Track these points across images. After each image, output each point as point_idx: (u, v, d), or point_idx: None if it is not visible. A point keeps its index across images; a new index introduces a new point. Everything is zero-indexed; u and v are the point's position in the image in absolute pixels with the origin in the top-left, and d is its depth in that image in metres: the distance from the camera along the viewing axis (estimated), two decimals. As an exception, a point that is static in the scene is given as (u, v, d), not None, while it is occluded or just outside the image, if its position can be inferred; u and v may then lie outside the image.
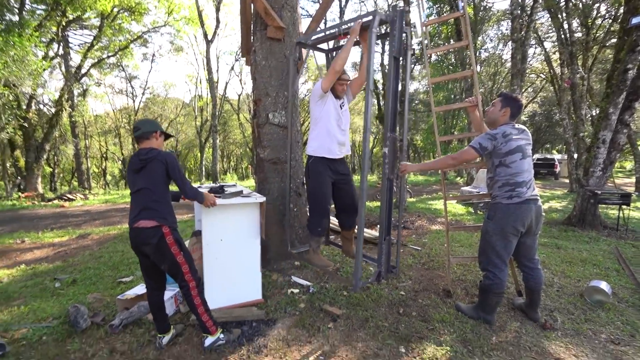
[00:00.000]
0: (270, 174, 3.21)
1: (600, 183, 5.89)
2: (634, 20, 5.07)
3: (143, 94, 22.88)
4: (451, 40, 15.51)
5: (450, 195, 9.62)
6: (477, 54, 17.79)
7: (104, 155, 26.77)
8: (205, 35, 15.90)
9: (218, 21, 16.01)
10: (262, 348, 2.01)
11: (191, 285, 1.97)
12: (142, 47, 18.63)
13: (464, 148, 2.36)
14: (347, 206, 2.80)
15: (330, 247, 3.88)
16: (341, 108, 2.65)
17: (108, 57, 16.21)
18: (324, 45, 3.05)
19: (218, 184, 3.01)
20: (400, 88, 2.46)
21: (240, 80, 27.46)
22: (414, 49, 2.76)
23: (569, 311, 2.56)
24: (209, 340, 2.00)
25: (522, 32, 9.79)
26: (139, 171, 1.93)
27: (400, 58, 2.23)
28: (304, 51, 3.30)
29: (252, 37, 3.10)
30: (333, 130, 2.58)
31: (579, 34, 13.62)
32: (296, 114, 3.27)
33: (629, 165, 28.61)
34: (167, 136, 2.19)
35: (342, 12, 16.15)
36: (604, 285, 2.75)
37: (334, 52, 3.05)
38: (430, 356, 1.95)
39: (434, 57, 14.92)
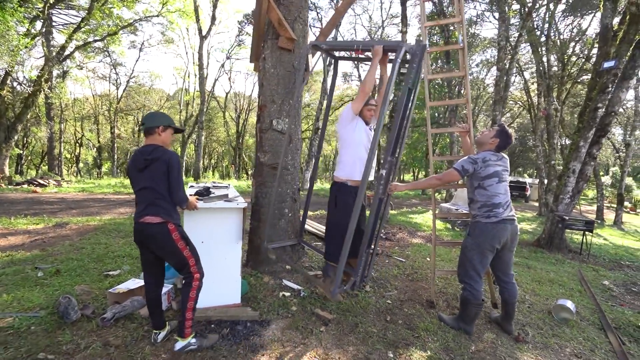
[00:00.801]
0: (268, 179, 3.29)
1: (568, 210, 6.35)
2: (606, 65, 5.58)
3: (128, 82, 22.15)
4: (439, 62, 16.21)
5: (431, 210, 9.97)
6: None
7: (79, 141, 25.60)
8: (200, 30, 15.73)
9: (214, 18, 15.91)
10: (259, 348, 2.08)
11: (195, 277, 2.00)
12: (132, 34, 18.11)
13: (447, 170, 2.57)
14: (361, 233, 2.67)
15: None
16: (369, 131, 2.72)
17: (95, 41, 15.64)
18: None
19: (205, 186, 3.03)
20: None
21: (229, 79, 27.27)
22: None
23: (538, 326, 2.79)
24: (179, 345, 1.97)
25: (507, 62, 10.42)
26: (142, 170, 1.92)
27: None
28: (310, 62, 3.43)
29: (262, 45, 3.19)
30: (364, 157, 2.55)
31: (555, 68, 14.64)
32: (298, 123, 3.37)
33: (591, 193, 30.65)
34: (176, 130, 2.12)
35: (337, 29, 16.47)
36: (569, 304, 3.02)
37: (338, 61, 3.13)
38: (416, 362, 2.09)
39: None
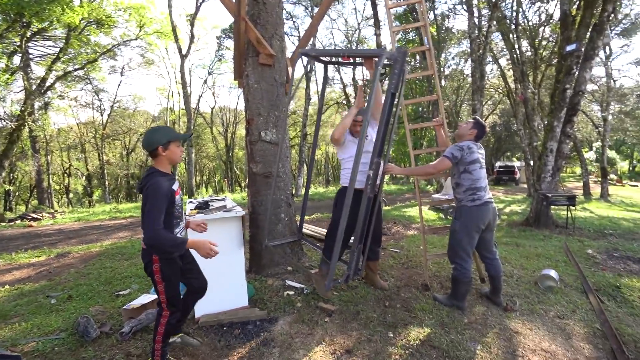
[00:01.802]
0: (262, 187, 3.48)
1: (551, 187, 6.67)
2: (568, 48, 5.95)
3: (111, 107, 22.12)
4: (417, 57, 16.65)
5: (429, 202, 10.24)
6: (442, 70, 19.11)
7: (67, 172, 25.36)
8: (180, 50, 15.90)
9: (192, 36, 16.10)
10: (270, 341, 2.26)
11: (164, 313, 1.94)
12: (111, 59, 18.18)
13: (438, 159, 2.80)
14: (373, 237, 2.79)
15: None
16: (366, 139, 2.89)
17: (75, 70, 15.68)
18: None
19: (203, 200, 3.21)
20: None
21: (213, 94, 27.41)
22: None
23: (525, 296, 3.02)
24: None
25: (480, 52, 10.83)
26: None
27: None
28: (290, 74, 3.65)
29: (244, 63, 3.40)
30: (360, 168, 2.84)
31: (529, 54, 15.18)
32: (285, 132, 3.58)
33: (578, 170, 31.49)
34: (183, 139, 1.96)
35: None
36: (553, 273, 3.27)
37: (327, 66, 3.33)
38: (414, 338, 2.29)
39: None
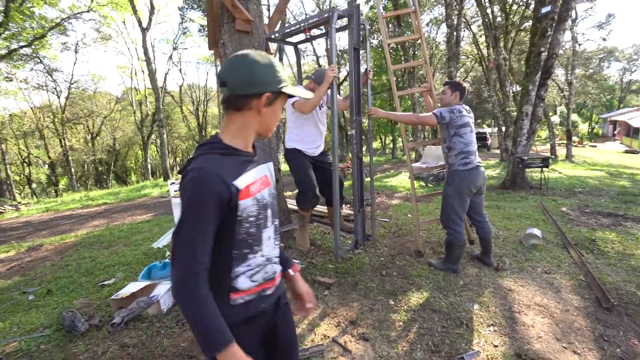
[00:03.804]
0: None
1: (526, 150, 6.91)
2: (543, 10, 5.94)
3: (69, 88, 20.34)
4: (390, 26, 16.26)
5: (403, 172, 10.40)
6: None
7: (26, 160, 23.55)
8: (140, 22, 14.60)
9: (152, 7, 14.79)
10: (272, 319, 2.22)
11: None
12: (62, 35, 16.47)
13: (426, 113, 2.76)
14: (330, 183, 3.02)
15: (317, 227, 4.13)
16: (320, 109, 2.85)
17: (20, 47, 14.10)
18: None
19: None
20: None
21: (180, 71, 25.85)
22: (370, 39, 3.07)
23: (513, 255, 3.15)
24: None
25: (454, 18, 10.69)
26: None
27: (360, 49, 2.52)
28: (271, 46, 3.41)
29: (219, 30, 3.11)
30: (311, 134, 2.85)
31: (500, 19, 15.21)
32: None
33: (544, 134, 33.04)
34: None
35: None
36: (536, 232, 3.41)
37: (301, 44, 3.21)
38: (415, 303, 2.33)
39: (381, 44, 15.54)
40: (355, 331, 2.05)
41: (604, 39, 18.05)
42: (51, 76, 19.23)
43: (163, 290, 2.55)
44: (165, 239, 4.22)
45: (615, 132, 30.47)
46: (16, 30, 13.50)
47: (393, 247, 3.44)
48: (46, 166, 24.93)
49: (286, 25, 2.82)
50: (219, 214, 0.80)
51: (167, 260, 3.36)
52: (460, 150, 2.61)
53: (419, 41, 3.18)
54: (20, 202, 12.10)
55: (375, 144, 37.66)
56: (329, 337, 2.01)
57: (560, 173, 9.96)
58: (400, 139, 21.43)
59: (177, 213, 2.40)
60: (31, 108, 21.12)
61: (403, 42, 15.85)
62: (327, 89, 2.54)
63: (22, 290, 3.11)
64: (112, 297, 2.50)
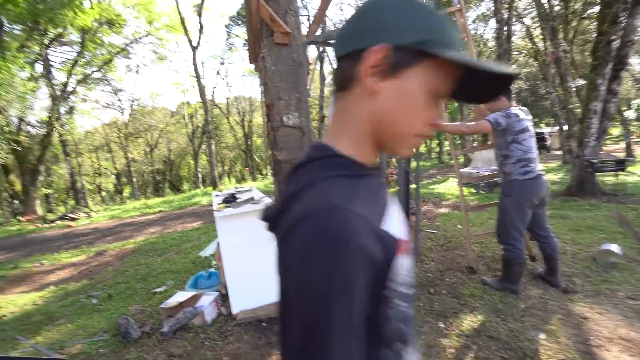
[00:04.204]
0: (288, 175, 3.32)
1: (595, 152, 6.11)
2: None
3: (131, 106, 22.63)
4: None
5: (451, 179, 9.82)
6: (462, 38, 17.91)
7: (97, 172, 26.50)
8: (190, 41, 15.77)
9: (201, 26, 15.90)
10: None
11: None
12: (125, 58, 18.39)
13: (478, 121, 2.53)
14: None
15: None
16: None
17: (93, 72, 15.99)
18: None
19: (229, 192, 3.11)
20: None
21: (227, 84, 27.35)
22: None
23: (585, 275, 2.74)
24: None
25: (504, 12, 9.96)
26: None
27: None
28: (309, 56, 3.40)
29: (259, 44, 3.18)
30: None
31: (558, 7, 13.87)
32: (308, 115, 3.37)
33: (615, 131, 29.32)
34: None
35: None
36: (614, 248, 2.94)
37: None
38: (468, 327, 2.11)
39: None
40: (401, 356, 1.90)
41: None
42: (117, 95, 21.52)
43: (207, 301, 2.61)
44: (211, 248, 4.39)
45: None
46: (90, 57, 15.34)
47: (442, 261, 3.20)
48: (113, 176, 27.81)
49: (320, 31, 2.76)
50: (366, 299, 0.38)
51: (212, 269, 3.47)
52: (519, 158, 2.34)
53: (465, 40, 2.96)
54: (91, 210, 13.55)
55: (421, 148, 36.37)
56: (372, 361, 1.88)
57: (639, 177, 8.69)
58: (447, 143, 20.41)
59: (220, 227, 2.44)
60: (101, 125, 23.78)
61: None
62: None
63: (88, 294, 3.41)
64: (161, 306, 2.62)
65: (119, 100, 22.30)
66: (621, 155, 14.28)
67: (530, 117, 2.47)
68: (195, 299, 2.71)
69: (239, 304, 2.55)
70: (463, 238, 3.84)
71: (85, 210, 13.24)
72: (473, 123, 2.50)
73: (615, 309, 2.23)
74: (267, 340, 2.18)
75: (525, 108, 2.50)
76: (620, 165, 5.74)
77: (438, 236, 3.98)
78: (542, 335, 1.98)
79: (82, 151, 22.57)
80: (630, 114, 27.31)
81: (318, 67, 16.47)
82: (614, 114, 6.74)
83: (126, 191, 28.59)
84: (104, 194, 28.04)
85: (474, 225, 4.38)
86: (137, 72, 21.29)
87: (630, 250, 3.21)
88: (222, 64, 24.29)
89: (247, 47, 3.36)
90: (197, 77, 15.88)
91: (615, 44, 5.55)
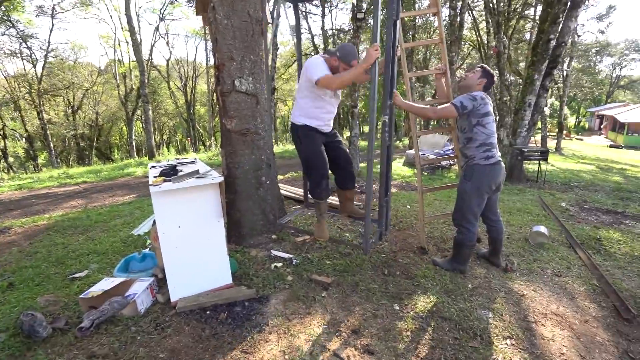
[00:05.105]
0: (239, 147, 2.99)
1: (525, 142, 6.74)
2: (559, -8, 5.61)
3: (45, 57, 19.02)
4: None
5: (397, 159, 10.19)
6: (415, 22, 18.27)
7: (0, 133, 22.26)
8: (121, -14, 13.52)
9: (135, -30, 13.66)
10: (263, 326, 1.97)
11: None
12: (36, -3, 15.18)
13: (443, 105, 2.49)
14: (342, 164, 2.83)
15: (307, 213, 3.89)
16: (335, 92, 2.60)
17: (-11, 8, 12.93)
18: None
19: (169, 164, 2.71)
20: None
21: (168, 44, 24.54)
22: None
23: (520, 254, 2.97)
24: None
25: (459, 1, 10.24)
26: None
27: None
28: (266, 10, 3.01)
29: (208, -10, 2.69)
30: (325, 108, 2.55)
31: (502, 4, 14.76)
32: (264, 80, 3.02)
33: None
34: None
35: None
36: (543, 229, 3.24)
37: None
38: (422, 309, 2.12)
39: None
40: (359, 342, 1.83)
41: (602, 32, 17.89)
42: (26, 43, 17.89)
43: (140, 288, 2.26)
44: (147, 225, 3.89)
45: (602, 127, 30.93)
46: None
47: (394, 242, 3.22)
48: (23, 140, 23.66)
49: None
50: None
51: (147, 250, 3.05)
52: (483, 142, 2.36)
53: (437, 17, 2.85)
54: (-8, 178, 11.40)
55: (365, 128, 37.30)
56: (329, 349, 1.78)
57: (552, 166, 9.95)
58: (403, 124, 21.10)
59: (157, 204, 2.07)
60: (5, 77, 19.75)
61: (402, 20, 15.31)
62: (364, 69, 2.22)
63: (-20, 282, 2.76)
64: (81, 296, 2.20)
65: (29, 48, 18.55)
66: (537, 146, 16.25)
67: (491, 103, 2.50)
68: (125, 285, 2.33)
69: (178, 291, 2.25)
70: (413, 218, 3.94)
71: (-17, 178, 11.07)
72: (439, 107, 2.45)
73: (546, 286, 2.44)
74: (213, 332, 1.95)
75: (488, 95, 2.53)
76: (544, 155, 6.41)
77: (390, 216, 4.02)
78: (489, 314, 2.07)
79: (-23, 107, 18.62)
80: (545, 110, 31.11)
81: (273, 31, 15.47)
82: (543, 109, 7.44)
83: (42, 158, 24.66)
84: (11, 159, 23.81)
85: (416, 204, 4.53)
86: (52, 16, 17.70)
87: (552, 231, 3.58)
88: (162, 19, 21.48)
89: (193, -7, 2.85)
90: (131, 30, 13.82)
91: (553, 42, 6.01)
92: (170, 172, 2.29)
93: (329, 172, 2.70)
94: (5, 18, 15.24)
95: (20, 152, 24.89)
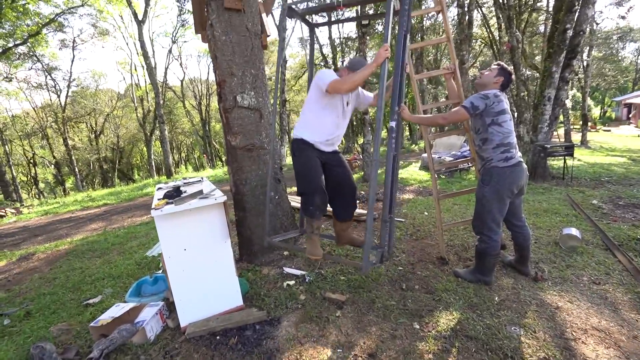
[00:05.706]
0: (245, 163, 2.94)
1: (547, 138, 6.40)
2: (572, -20, 5.36)
3: (68, 86, 20.08)
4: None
5: (413, 164, 9.94)
6: (423, 23, 18.10)
7: (31, 161, 23.51)
8: (135, 15, 14.15)
9: (147, -2, 14.32)
10: (275, 352, 1.86)
11: None
12: (59, 32, 16.13)
13: (453, 109, 2.35)
14: (342, 191, 2.42)
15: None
16: (347, 105, 2.33)
17: (15, 45, 13.80)
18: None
19: (175, 185, 2.67)
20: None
21: (181, 65, 25.42)
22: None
23: (550, 260, 2.73)
24: None
25: (466, -2, 10.05)
26: None
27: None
28: (265, 23, 2.99)
29: (206, 10, 2.70)
30: (328, 126, 2.28)
31: (512, -1, 14.40)
32: (266, 94, 2.98)
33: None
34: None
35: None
36: (574, 232, 2.98)
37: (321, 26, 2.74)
38: (444, 328, 1.95)
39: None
40: (375, 368, 1.69)
41: (622, 17, 17.05)
42: (50, 75, 18.97)
43: (150, 314, 2.21)
44: (160, 246, 3.89)
45: (631, 116, 29.31)
46: (10, 28, 13.18)
47: (412, 253, 3.05)
48: (52, 166, 24.90)
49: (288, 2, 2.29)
50: None
51: (159, 273, 3.03)
52: (500, 142, 2.19)
53: (442, 16, 2.74)
54: (22, 204, 11.97)
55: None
56: (344, 377, 1.65)
57: (579, 160, 9.43)
58: (417, 127, 20.75)
59: (161, 227, 2.03)
60: (33, 108, 20.97)
61: (436, 11, 15.19)
62: (374, 69, 2.05)
63: (0, 312, 2.80)
64: (91, 325, 2.16)
65: (53, 80, 19.66)
66: (562, 141, 15.53)
67: (508, 102, 2.34)
68: (135, 311, 2.29)
69: (188, 315, 2.19)
70: (431, 226, 3.75)
71: (15, 205, 11.63)
72: (448, 114, 2.30)
73: (583, 296, 2.20)
74: (221, 358, 1.86)
75: (505, 93, 2.37)
76: (570, 150, 6.04)
77: (406, 225, 3.86)
78: (520, 332, 1.88)
79: (10, 137, 19.78)
80: (567, 102, 29.89)
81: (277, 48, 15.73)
82: (565, 102, 7.07)
83: (69, 182, 25.84)
84: (42, 185, 25.07)
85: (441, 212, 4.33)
86: (73, 48, 18.75)
87: (585, 233, 3.30)
88: (174, 42, 22.32)
89: (192, 13, 2.85)
90: (145, 55, 14.38)
91: (569, 32, 5.73)
92: (173, 194, 2.25)
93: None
94: (32, 53, 16.24)
95: (50, 178, 26.20)
